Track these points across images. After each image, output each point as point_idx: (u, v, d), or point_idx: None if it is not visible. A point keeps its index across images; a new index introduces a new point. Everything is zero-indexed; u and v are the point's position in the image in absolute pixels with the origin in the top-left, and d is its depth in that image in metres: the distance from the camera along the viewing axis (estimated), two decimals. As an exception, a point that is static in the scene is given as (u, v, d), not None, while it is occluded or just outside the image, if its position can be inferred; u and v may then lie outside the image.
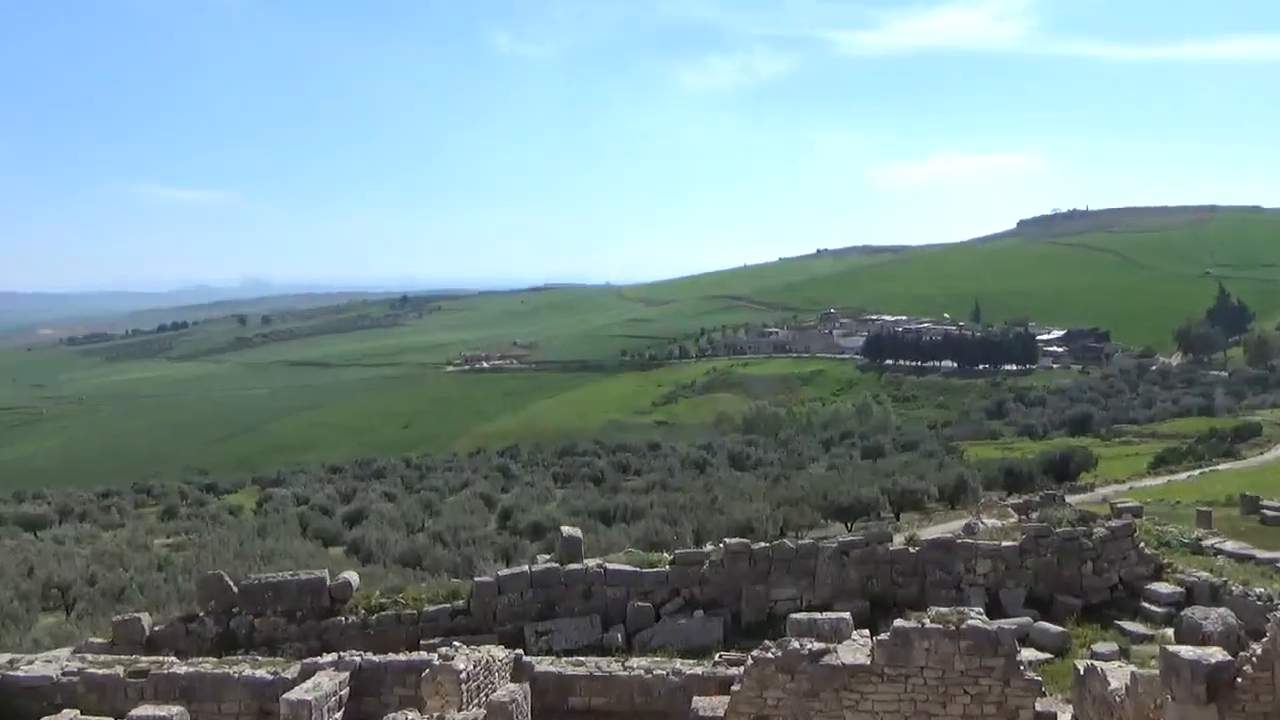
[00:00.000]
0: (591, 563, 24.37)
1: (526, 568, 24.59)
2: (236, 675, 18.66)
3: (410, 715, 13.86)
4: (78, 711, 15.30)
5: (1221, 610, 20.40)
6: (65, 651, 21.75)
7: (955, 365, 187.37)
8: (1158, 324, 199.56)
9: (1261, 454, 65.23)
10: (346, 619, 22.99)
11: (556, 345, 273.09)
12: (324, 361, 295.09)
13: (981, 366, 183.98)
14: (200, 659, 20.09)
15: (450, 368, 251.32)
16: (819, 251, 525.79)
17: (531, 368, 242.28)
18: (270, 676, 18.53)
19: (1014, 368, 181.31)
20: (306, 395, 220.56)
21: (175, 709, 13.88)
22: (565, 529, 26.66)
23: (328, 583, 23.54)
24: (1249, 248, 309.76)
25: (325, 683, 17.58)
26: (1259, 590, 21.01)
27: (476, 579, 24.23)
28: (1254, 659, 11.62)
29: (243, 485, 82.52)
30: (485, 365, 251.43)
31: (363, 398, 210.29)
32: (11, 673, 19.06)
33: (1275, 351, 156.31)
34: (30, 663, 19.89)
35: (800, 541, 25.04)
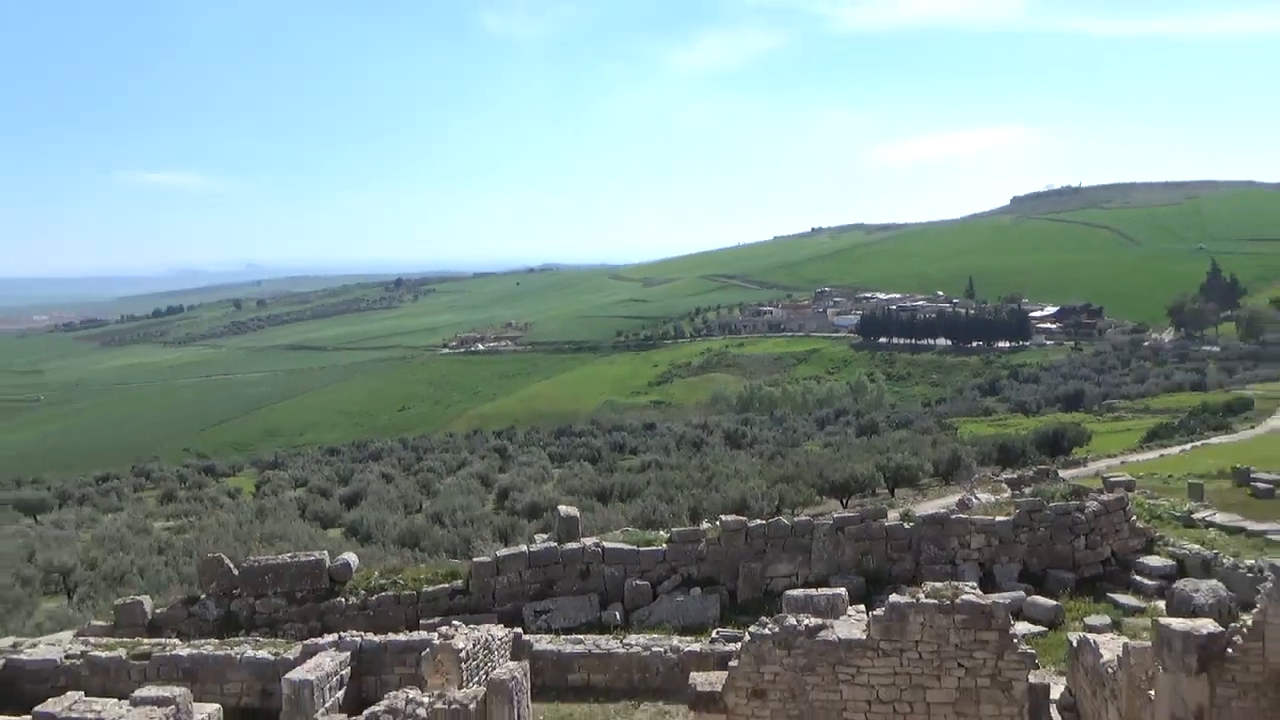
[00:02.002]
0: (589, 542, 24.45)
1: (524, 547, 24.66)
2: (238, 656, 18.79)
3: (411, 693, 13.94)
4: (82, 693, 15.37)
5: (1212, 582, 20.54)
6: (68, 635, 21.87)
7: (949, 343, 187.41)
8: (1150, 300, 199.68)
9: (1253, 428, 65.46)
10: (346, 600, 23.10)
11: (552, 326, 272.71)
12: (320, 345, 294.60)
13: (975, 344, 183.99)
14: (202, 641, 20.20)
15: (445, 350, 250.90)
16: (814, 230, 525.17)
17: (527, 349, 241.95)
18: (272, 657, 18.66)
19: (1007, 345, 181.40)
20: (303, 379, 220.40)
21: (178, 690, 13.97)
22: (562, 508, 26.71)
23: (327, 564, 23.62)
24: (1242, 223, 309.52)
25: (326, 663, 17.69)
26: (1249, 562, 21.17)
27: (475, 559, 24.31)
28: (1244, 630, 11.74)
29: (241, 468, 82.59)
30: (480, 347, 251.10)
31: (359, 380, 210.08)
32: (15, 656, 19.17)
33: (1267, 326, 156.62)
34: (34, 646, 20.01)
35: (796, 519, 25.14)
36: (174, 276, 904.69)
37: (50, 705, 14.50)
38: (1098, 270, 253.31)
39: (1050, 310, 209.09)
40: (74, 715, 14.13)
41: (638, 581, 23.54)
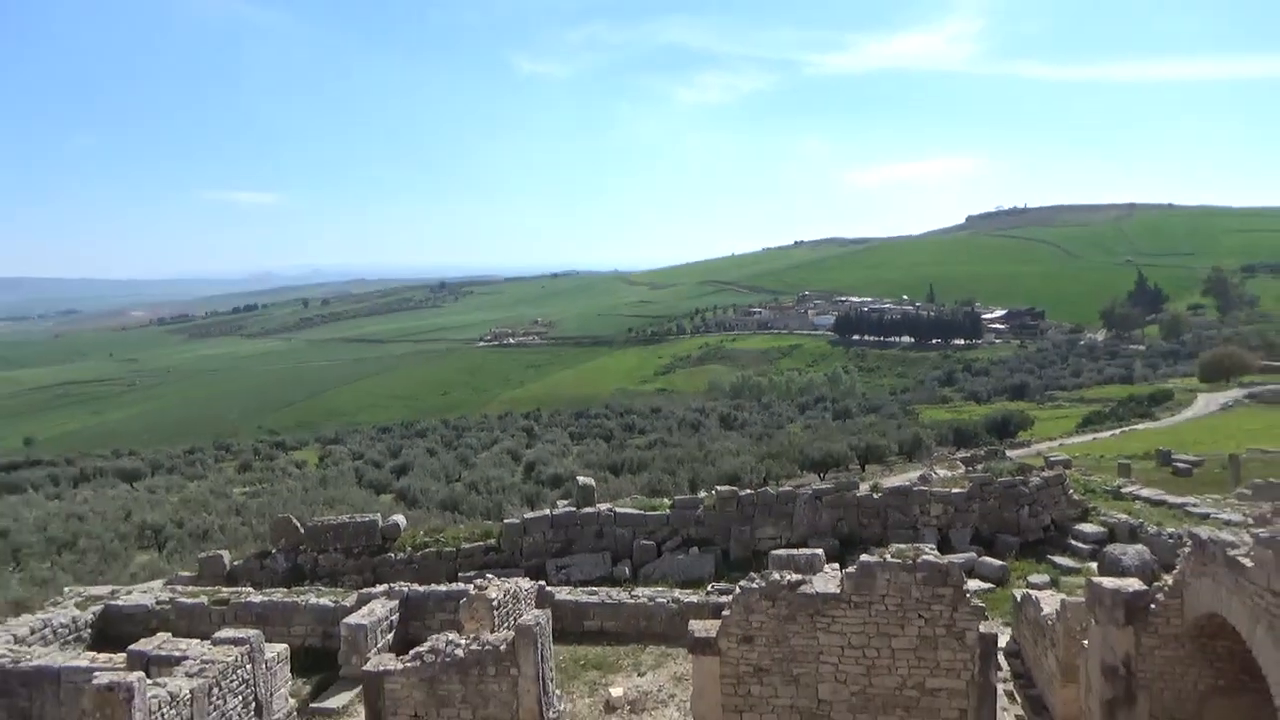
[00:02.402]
0: (603, 507, 24.42)
1: (548, 511, 24.66)
2: (303, 603, 18.82)
3: (450, 636, 13.93)
4: (170, 634, 15.40)
5: (1139, 547, 20.43)
6: (158, 583, 21.93)
7: (912, 340, 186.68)
8: (1086, 304, 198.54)
9: (1173, 416, 65.17)
10: (395, 555, 23.12)
11: (572, 323, 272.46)
12: (374, 338, 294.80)
13: (934, 341, 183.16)
14: (272, 590, 20.23)
15: (481, 343, 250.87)
16: (796, 243, 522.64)
17: (550, 343, 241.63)
18: (332, 604, 18.68)
19: (962, 342, 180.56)
20: (360, 367, 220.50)
21: (252, 631, 13.99)
22: (581, 479, 26.70)
23: (379, 525, 23.64)
24: (1164, 239, 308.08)
25: (378, 609, 17.72)
26: (1170, 530, 21.04)
27: (505, 521, 24.32)
28: (1166, 588, 11.66)
29: (306, 443, 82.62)
30: (511, 341, 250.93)
31: (407, 369, 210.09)
32: (114, 601, 19.22)
33: (1185, 329, 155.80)
34: (129, 593, 20.06)
35: (780, 489, 25.07)
36: (250, 279, 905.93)
37: (143, 644, 14.52)
38: (1041, 279, 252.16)
39: (999, 313, 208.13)
40: (163, 653, 14.15)
41: (644, 541, 23.52)
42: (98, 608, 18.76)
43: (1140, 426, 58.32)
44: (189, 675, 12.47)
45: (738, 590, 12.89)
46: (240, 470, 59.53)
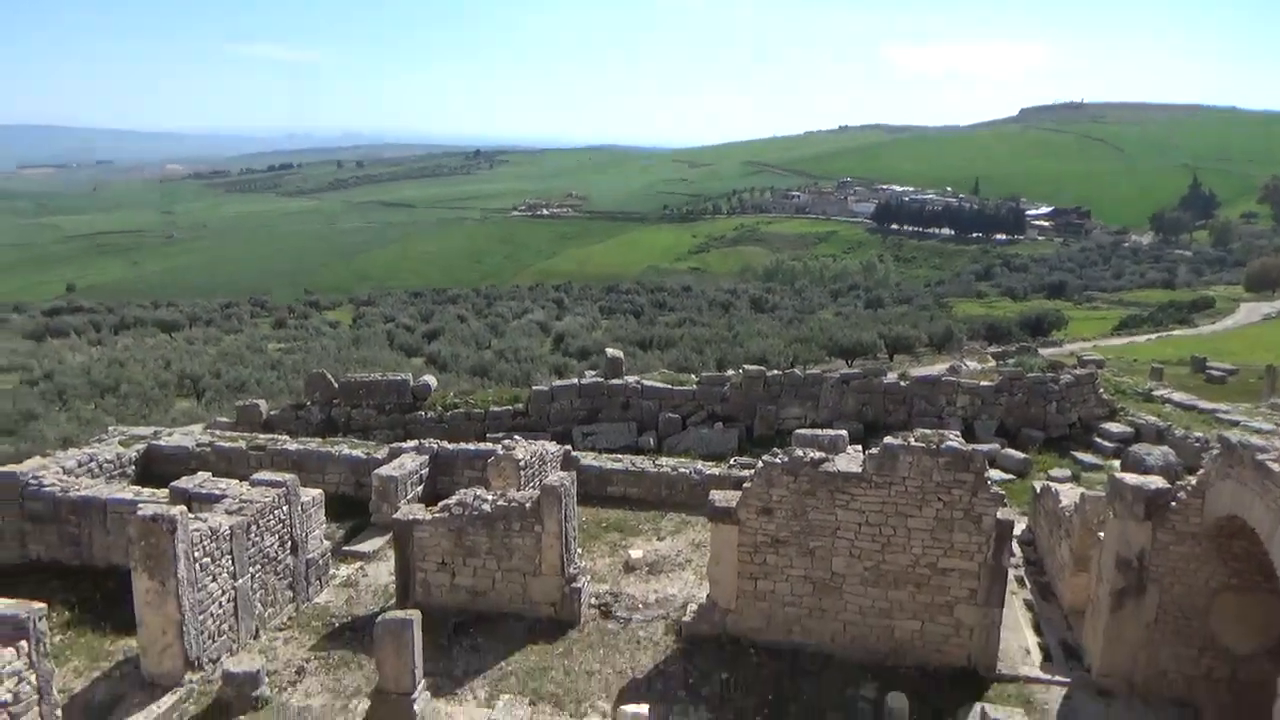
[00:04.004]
0: (630, 379, 24.67)
1: (576, 380, 24.96)
2: (337, 453, 19.39)
3: (478, 491, 14.36)
4: (210, 474, 15.98)
5: (1164, 449, 20.44)
6: (198, 428, 22.63)
7: (952, 233, 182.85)
8: (1135, 207, 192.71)
9: (1213, 324, 64.01)
10: (426, 414, 23.62)
11: (606, 198, 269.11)
12: (409, 203, 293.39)
13: (975, 235, 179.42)
14: (307, 439, 20.81)
15: (515, 213, 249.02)
16: (841, 127, 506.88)
17: (585, 216, 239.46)
18: (364, 456, 19.23)
19: (1004, 237, 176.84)
20: (393, 231, 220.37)
21: (289, 476, 14.47)
22: (609, 350, 26.89)
23: (410, 384, 24.09)
24: (1224, 144, 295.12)
25: (409, 463, 18.23)
26: (1198, 434, 20.97)
27: (534, 387, 24.66)
28: (1189, 487, 11.69)
29: (340, 304, 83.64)
30: (545, 212, 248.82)
31: (441, 236, 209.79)
32: (156, 441, 19.89)
33: (1235, 237, 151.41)
34: (170, 435, 20.74)
35: (808, 372, 25.15)
36: (284, 137, 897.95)
37: (184, 482, 15.10)
38: (1091, 178, 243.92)
39: (1045, 210, 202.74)
40: (203, 490, 14.72)
41: (670, 414, 23.83)
42: (141, 446, 19.46)
43: (1177, 333, 57.39)
44: (228, 513, 13.00)
45: (760, 464, 13.09)
46: (275, 327, 60.58)
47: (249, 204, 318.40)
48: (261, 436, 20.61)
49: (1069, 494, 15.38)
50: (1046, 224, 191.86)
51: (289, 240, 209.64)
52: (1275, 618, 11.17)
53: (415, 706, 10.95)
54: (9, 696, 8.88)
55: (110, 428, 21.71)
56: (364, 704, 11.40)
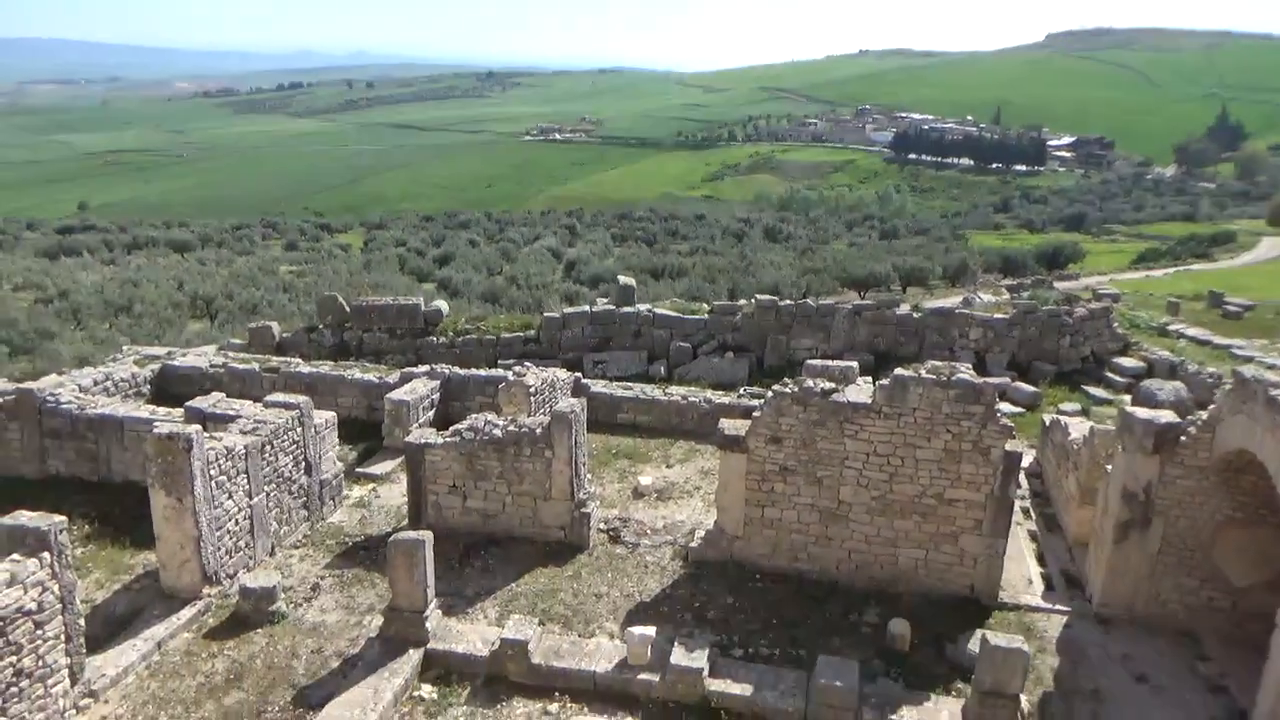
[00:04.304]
0: (642, 307, 24.62)
1: (587, 308, 24.91)
2: (349, 377, 19.52)
3: (489, 417, 14.47)
4: (223, 394, 16.14)
5: (1176, 383, 20.37)
6: (211, 349, 22.77)
7: (971, 163, 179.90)
8: (1160, 138, 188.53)
9: (1232, 258, 63.09)
10: (437, 339, 23.70)
11: (620, 123, 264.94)
12: (420, 125, 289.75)
13: (995, 165, 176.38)
14: (320, 362, 20.95)
15: (527, 137, 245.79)
16: (861, 51, 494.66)
17: (598, 141, 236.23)
18: (376, 380, 19.35)
19: (1024, 168, 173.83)
20: (404, 154, 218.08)
21: (302, 398, 14.60)
22: (621, 278, 26.79)
23: (422, 309, 24.11)
24: (1256, 73, 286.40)
25: (420, 388, 18.35)
26: (1211, 369, 20.87)
27: (545, 314, 24.66)
28: (1199, 421, 11.68)
29: (351, 227, 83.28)
30: (557, 137, 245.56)
31: (452, 159, 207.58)
32: (170, 362, 20.05)
33: (1262, 169, 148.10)
34: (184, 355, 20.89)
35: (820, 303, 25.03)
36: (293, 54, 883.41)
37: (198, 401, 15.28)
38: (1116, 108, 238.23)
39: (1067, 140, 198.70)
40: (218, 411, 14.89)
41: (681, 343, 23.84)
42: (155, 366, 19.63)
43: (1196, 267, 56.66)
44: (243, 433, 13.16)
45: (771, 393, 13.13)
46: (286, 249, 60.45)
47: (259, 124, 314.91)
48: (274, 359, 20.74)
49: (1078, 427, 15.41)
50: (1068, 155, 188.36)
51: (299, 162, 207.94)
52: (1277, 551, 11.26)
53: (428, 624, 11.22)
54: (33, 605, 9.14)
55: (125, 347, 21.88)
56: (377, 620, 11.69)
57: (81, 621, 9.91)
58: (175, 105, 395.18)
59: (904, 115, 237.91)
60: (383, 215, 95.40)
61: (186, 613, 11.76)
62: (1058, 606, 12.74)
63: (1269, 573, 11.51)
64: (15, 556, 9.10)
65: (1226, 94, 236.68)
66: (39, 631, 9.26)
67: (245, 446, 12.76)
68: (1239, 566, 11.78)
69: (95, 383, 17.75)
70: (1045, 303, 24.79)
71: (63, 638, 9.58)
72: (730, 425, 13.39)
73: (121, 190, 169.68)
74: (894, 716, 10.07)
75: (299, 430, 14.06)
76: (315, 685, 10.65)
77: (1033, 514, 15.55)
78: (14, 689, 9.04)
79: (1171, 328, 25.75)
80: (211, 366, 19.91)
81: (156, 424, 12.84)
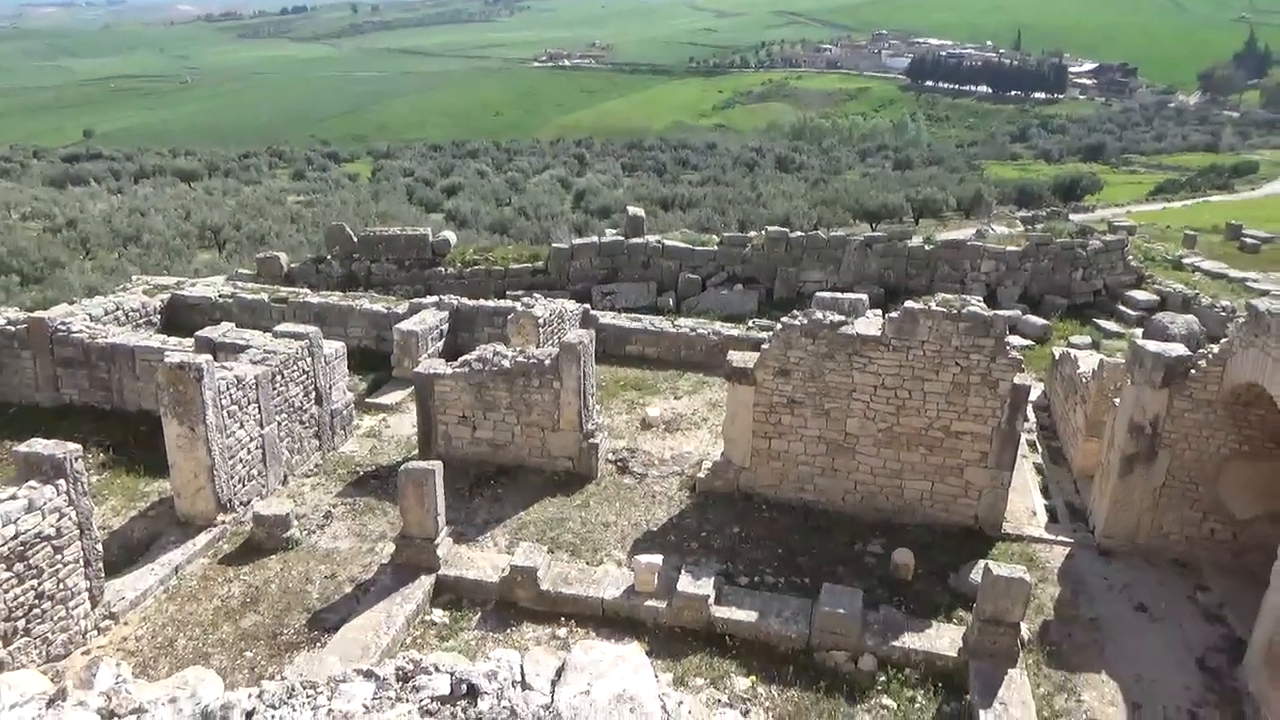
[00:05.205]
0: (651, 238, 24.48)
1: (596, 238, 24.79)
2: (358, 307, 19.55)
3: (498, 348, 14.51)
4: (233, 324, 16.22)
5: (1188, 317, 20.24)
6: (220, 279, 22.80)
7: (989, 90, 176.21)
8: (1185, 65, 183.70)
9: (1253, 189, 62.01)
10: (445, 270, 23.66)
11: (630, 49, 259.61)
12: (426, 51, 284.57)
13: (1013, 93, 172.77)
14: (328, 293, 20.96)
15: (536, 63, 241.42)
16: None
17: (607, 68, 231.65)
18: (385, 310, 19.39)
19: (1043, 96, 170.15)
20: (410, 81, 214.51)
21: (311, 328, 14.65)
22: (630, 209, 26.56)
23: (430, 239, 24.02)
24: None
25: (429, 318, 18.38)
26: (1225, 303, 20.73)
27: (554, 245, 24.54)
28: (1210, 355, 11.63)
29: (359, 156, 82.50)
30: (566, 63, 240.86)
31: (459, 86, 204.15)
32: (180, 291, 20.11)
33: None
34: (193, 285, 20.93)
35: (831, 234, 24.82)
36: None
37: (209, 331, 15.36)
38: (1142, 32, 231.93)
39: (1089, 67, 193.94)
40: (228, 340, 14.98)
41: (690, 275, 23.75)
42: (165, 296, 19.69)
43: (1216, 198, 55.75)
44: (253, 362, 13.25)
45: (779, 325, 13.10)
46: (294, 179, 60.03)
47: (263, 49, 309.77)
48: (283, 289, 20.78)
49: (1087, 360, 15.37)
50: (1089, 82, 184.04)
51: (304, 88, 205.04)
52: (1283, 486, 11.33)
53: (439, 551, 11.44)
54: (52, 531, 9.34)
55: (134, 277, 21.93)
56: (389, 547, 11.92)
57: (99, 547, 10.14)
58: (178, 30, 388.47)
59: (921, 41, 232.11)
60: (390, 144, 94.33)
61: (202, 539, 12.00)
62: (1060, 538, 12.88)
63: (1273, 505, 11.59)
64: (33, 483, 9.27)
65: (1256, 18, 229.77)
66: (58, 556, 9.48)
67: (256, 376, 12.86)
68: (1243, 499, 11.86)
69: (106, 312, 17.84)
70: (1059, 235, 24.52)
71: (81, 562, 9.81)
72: (738, 357, 13.40)
73: (126, 117, 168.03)
74: (896, 643, 10.28)
75: (308, 360, 14.15)
76: (329, 609, 10.92)
77: (1039, 447, 15.63)
78: (36, 610, 9.30)
79: (1187, 261, 25.50)
80: (221, 297, 19.96)
81: (167, 353, 12.93)
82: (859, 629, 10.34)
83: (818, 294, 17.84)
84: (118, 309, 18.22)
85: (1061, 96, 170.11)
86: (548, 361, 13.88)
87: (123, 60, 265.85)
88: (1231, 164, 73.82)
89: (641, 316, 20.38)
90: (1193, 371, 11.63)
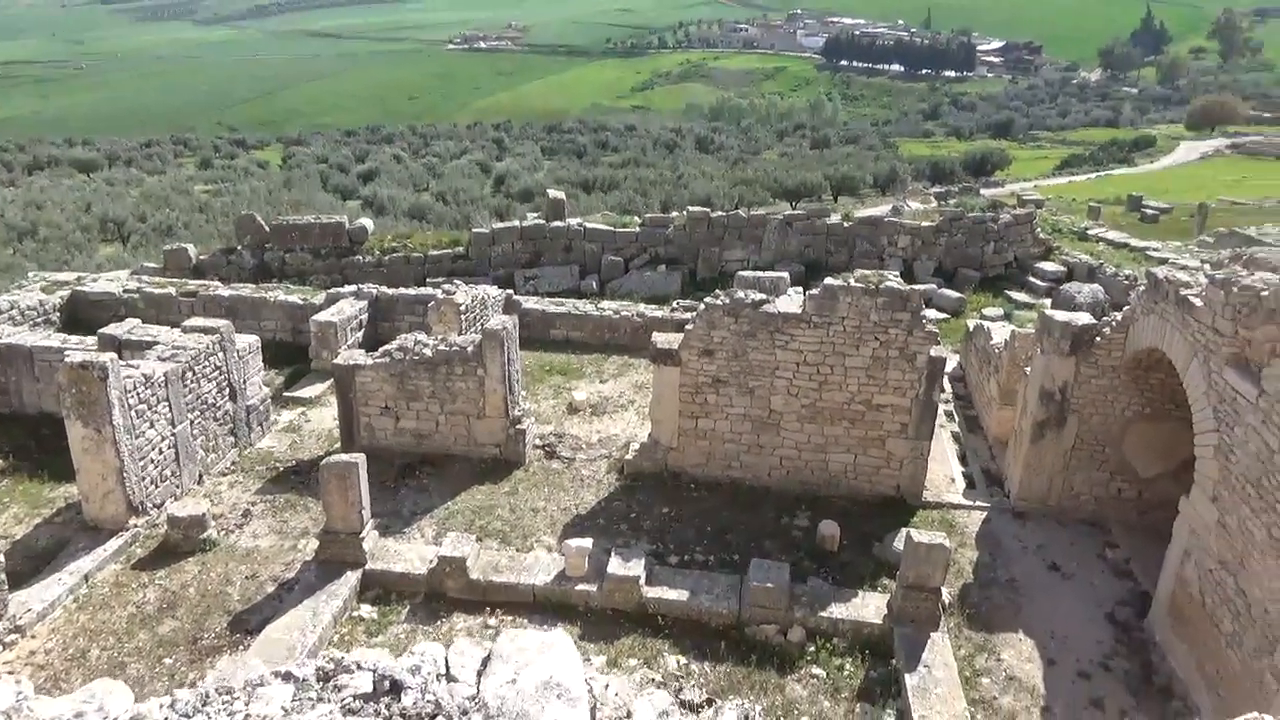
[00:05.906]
0: (573, 221, 24.32)
1: (517, 223, 24.53)
2: (272, 299, 19.01)
3: (419, 336, 14.27)
4: (139, 320, 15.60)
5: (1093, 286, 21.00)
6: (124, 273, 21.91)
7: (902, 69, 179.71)
8: (1088, 42, 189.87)
9: (1152, 162, 64.73)
10: (363, 258, 23.15)
11: (548, 29, 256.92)
12: (336, 33, 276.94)
13: (925, 71, 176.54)
14: (240, 285, 20.33)
15: (451, 45, 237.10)
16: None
17: (524, 49, 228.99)
18: (301, 301, 18.89)
19: (953, 74, 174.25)
20: (321, 64, 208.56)
21: (222, 322, 14.17)
22: (551, 192, 26.34)
23: (347, 226, 23.46)
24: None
25: (347, 308, 17.98)
26: (1127, 271, 21.56)
27: (474, 230, 24.21)
28: (1114, 323, 12.09)
29: (268, 143, 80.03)
30: (482, 45, 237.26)
31: (371, 69, 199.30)
32: (81, 287, 19.27)
33: (1183, 73, 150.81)
34: (95, 280, 20.07)
35: (751, 213, 25.02)
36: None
37: (113, 328, 14.75)
38: (1046, 9, 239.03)
39: (996, 44, 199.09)
40: (134, 337, 14.41)
41: (613, 257, 23.70)
42: (64, 293, 18.83)
43: (1118, 171, 58.05)
44: (161, 359, 12.77)
45: (703, 306, 13.16)
46: (200, 167, 58.00)
47: (163, 32, 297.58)
48: (192, 282, 20.05)
49: (1000, 332, 15.85)
50: (997, 60, 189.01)
51: (209, 73, 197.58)
52: (1180, 443, 11.85)
53: (365, 545, 11.23)
54: (-52, 544, 8.87)
55: (31, 274, 20.91)
56: (312, 544, 11.65)
57: (1, 557, 9.67)
58: (71, 12, 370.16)
59: (835, 20, 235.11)
60: (301, 130, 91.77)
61: (113, 544, 11.56)
62: (978, 503, 13.29)
63: (1173, 463, 12.15)
64: (-76, 494, 8.78)
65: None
66: (-44, 569, 9.02)
67: (165, 373, 12.40)
68: (1146, 458, 12.40)
69: (0, 311, 16.98)
70: (971, 210, 25.16)
71: (-17, 574, 9.36)
72: (663, 339, 13.43)
73: (17, 105, 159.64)
74: (824, 613, 10.48)
75: (221, 355, 13.70)
76: (251, 610, 10.64)
77: (956, 416, 16.07)
78: (-66, 628, 8.84)
79: (1092, 232, 26.43)
80: (125, 292, 19.18)
81: (68, 353, 12.38)
82: (787, 602, 10.51)
83: (740, 273, 17.99)
84: (13, 308, 17.35)
85: (971, 75, 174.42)
86: (471, 349, 13.70)
87: (12, 45, 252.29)
88: (1131, 139, 76.81)
89: (565, 301, 20.29)
90: (1098, 339, 12.08)
